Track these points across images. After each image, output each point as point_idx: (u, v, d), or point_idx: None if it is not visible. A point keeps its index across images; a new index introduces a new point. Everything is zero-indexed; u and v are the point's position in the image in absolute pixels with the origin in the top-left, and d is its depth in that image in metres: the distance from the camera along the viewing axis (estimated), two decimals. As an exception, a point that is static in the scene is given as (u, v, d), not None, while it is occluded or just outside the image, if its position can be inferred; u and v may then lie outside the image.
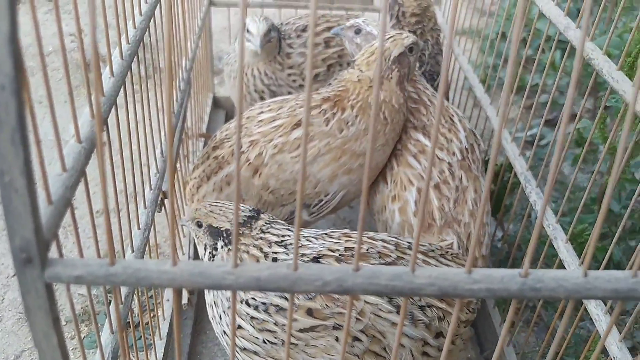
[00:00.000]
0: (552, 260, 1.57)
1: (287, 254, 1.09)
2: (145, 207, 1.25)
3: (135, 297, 1.58)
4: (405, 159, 1.42)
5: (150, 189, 1.30)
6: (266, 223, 1.15)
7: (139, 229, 1.18)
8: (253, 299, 1.09)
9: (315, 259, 1.09)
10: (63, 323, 1.59)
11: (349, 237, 1.14)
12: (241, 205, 1.21)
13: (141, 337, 1.54)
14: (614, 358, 0.94)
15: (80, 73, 2.71)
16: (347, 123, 1.35)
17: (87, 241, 1.86)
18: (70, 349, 1.53)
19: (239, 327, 1.09)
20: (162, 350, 1.41)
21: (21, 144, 0.51)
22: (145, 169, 1.31)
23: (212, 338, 1.54)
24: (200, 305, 1.65)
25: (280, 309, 1.06)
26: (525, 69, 2.64)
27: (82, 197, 1.95)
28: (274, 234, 1.13)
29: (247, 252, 1.11)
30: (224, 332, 1.14)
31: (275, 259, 1.09)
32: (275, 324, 1.06)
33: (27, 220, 0.54)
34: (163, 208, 1.42)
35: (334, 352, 1.06)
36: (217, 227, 1.16)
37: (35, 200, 0.54)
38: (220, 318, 1.14)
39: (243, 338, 1.09)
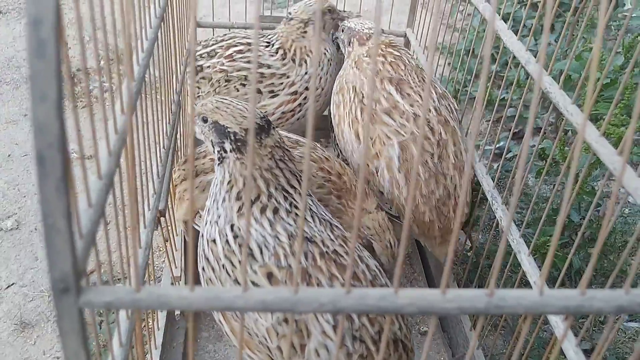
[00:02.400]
0: (517, 269, 1.69)
1: (287, 213, 1.15)
2: (145, 227, 1.33)
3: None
4: (379, 116, 1.50)
5: (149, 209, 1.38)
6: (276, 146, 1.16)
7: (140, 247, 1.26)
8: (239, 228, 1.14)
9: (307, 240, 1.15)
10: (57, 333, 1.66)
11: (344, 244, 1.19)
12: (247, 109, 1.21)
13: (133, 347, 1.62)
14: (570, 361, 1.05)
15: (63, 86, 2.76)
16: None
17: (76, 254, 1.92)
18: (65, 358, 1.60)
19: (213, 240, 1.16)
20: (158, 358, 1.49)
21: (64, 193, 0.59)
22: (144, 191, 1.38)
23: (203, 346, 1.63)
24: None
25: (252, 257, 1.11)
26: (494, 83, 2.77)
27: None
28: (283, 175, 1.16)
29: (255, 179, 1.14)
30: (203, 268, 1.20)
31: (276, 210, 1.14)
32: (239, 262, 1.11)
33: (66, 255, 0.63)
34: (159, 226, 1.50)
35: (262, 315, 1.11)
36: (223, 125, 1.16)
37: (73, 238, 0.63)
38: (205, 257, 1.20)
39: (211, 251, 1.16)
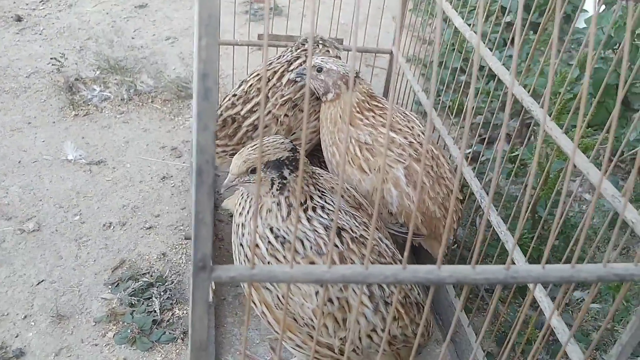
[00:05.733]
0: (505, 255, 1.96)
1: (322, 209, 1.38)
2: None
3: (155, 299, 1.85)
4: (378, 150, 1.78)
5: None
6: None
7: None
8: (277, 229, 1.36)
9: (338, 229, 1.38)
10: (92, 324, 1.84)
11: (367, 229, 1.44)
12: (279, 138, 1.43)
13: (164, 333, 1.82)
14: (554, 327, 1.31)
15: (62, 95, 2.90)
16: None
17: (100, 252, 2.10)
18: (104, 345, 1.78)
19: (256, 245, 1.36)
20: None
21: (212, 196, 0.81)
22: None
23: (230, 330, 1.83)
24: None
25: (294, 251, 1.33)
26: (464, 92, 3.06)
27: (90, 212, 2.19)
28: (318, 178, 1.42)
29: (307, 185, 1.38)
30: (241, 244, 1.41)
31: (314, 208, 1.38)
32: (285, 257, 1.33)
33: (208, 241, 0.84)
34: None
35: (308, 299, 1.33)
36: (276, 159, 1.37)
37: (214, 228, 0.84)
38: (242, 235, 1.40)
39: (255, 254, 1.36)
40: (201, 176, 0.81)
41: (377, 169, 1.77)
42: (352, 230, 1.40)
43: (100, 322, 1.84)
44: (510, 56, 2.26)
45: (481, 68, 3.04)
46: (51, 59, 3.09)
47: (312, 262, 1.32)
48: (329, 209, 1.40)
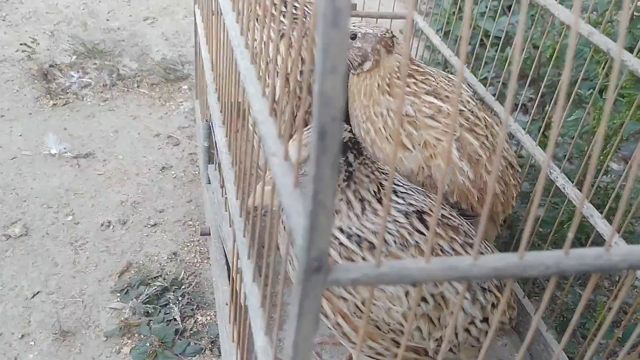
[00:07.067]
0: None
1: (394, 194, 1.18)
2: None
3: (174, 305, 1.61)
4: (422, 122, 1.55)
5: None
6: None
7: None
8: (349, 228, 1.13)
9: (419, 213, 1.17)
10: (103, 339, 1.59)
11: (444, 207, 1.26)
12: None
13: (189, 344, 1.57)
14: None
15: (37, 84, 2.60)
16: None
17: (101, 255, 1.84)
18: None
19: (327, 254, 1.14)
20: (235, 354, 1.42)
21: (336, 169, 0.58)
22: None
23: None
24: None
25: (372, 247, 1.11)
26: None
27: (84, 212, 1.94)
28: (379, 167, 1.20)
29: (368, 190, 1.15)
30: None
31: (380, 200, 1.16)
32: (363, 259, 1.11)
33: (327, 233, 0.61)
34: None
35: (397, 302, 1.12)
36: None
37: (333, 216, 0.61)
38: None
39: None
40: (324, 140, 0.58)
41: (423, 143, 1.55)
42: (431, 211, 1.17)
43: (112, 337, 1.58)
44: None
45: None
46: (20, 44, 2.78)
47: (398, 258, 1.10)
48: (402, 192, 1.18)
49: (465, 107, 1.58)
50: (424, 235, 1.12)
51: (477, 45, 2.04)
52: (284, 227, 1.18)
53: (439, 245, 1.14)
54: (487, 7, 2.04)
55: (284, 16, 1.73)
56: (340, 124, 0.58)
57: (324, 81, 0.56)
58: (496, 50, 2.72)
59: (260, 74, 0.91)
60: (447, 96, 1.58)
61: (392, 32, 1.66)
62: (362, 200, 1.14)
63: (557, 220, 1.53)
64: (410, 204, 1.17)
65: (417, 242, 1.12)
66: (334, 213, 0.60)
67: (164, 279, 1.74)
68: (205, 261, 1.84)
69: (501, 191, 1.55)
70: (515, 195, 1.62)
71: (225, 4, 1.19)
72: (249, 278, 1.05)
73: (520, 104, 1.80)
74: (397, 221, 1.13)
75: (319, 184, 0.59)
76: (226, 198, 1.39)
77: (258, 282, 1.04)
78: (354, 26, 1.62)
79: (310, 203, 0.59)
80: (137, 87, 2.67)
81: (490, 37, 1.94)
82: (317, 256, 0.63)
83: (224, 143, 1.37)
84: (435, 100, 1.58)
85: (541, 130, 1.69)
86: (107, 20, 3.17)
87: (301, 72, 1.69)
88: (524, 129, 1.61)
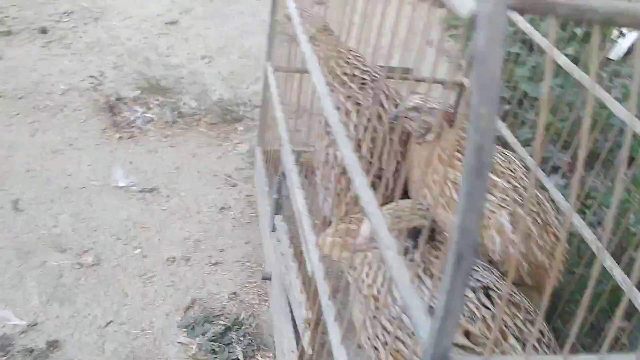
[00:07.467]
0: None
1: None
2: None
3: (237, 345, 1.74)
4: None
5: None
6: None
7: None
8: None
9: (485, 289, 1.28)
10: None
11: (502, 280, 1.33)
12: (417, 202, 1.29)
13: (251, 382, 1.70)
14: None
15: (102, 115, 2.77)
16: None
17: (168, 289, 1.98)
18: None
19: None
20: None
21: (467, 283, 0.71)
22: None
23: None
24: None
25: (402, 324, 1.23)
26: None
27: (151, 245, 2.09)
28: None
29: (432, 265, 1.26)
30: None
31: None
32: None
33: (452, 335, 0.74)
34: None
35: None
36: (414, 226, 1.22)
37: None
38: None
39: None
40: (460, 263, 0.72)
41: None
42: (495, 286, 1.30)
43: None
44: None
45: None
46: (89, 77, 2.96)
47: (467, 331, 1.23)
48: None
49: (519, 183, 1.71)
50: (490, 310, 1.25)
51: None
52: (364, 296, 1.32)
53: (504, 320, 1.26)
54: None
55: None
56: (473, 252, 0.71)
57: (465, 218, 0.70)
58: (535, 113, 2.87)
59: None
60: (502, 172, 1.72)
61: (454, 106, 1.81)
62: (431, 276, 1.27)
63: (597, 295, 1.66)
64: (478, 280, 1.30)
65: (483, 316, 1.25)
66: (459, 317, 0.73)
67: (226, 318, 1.87)
68: (262, 303, 1.98)
69: (550, 265, 1.68)
70: (562, 269, 1.75)
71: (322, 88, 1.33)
72: (337, 339, 1.18)
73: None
74: (465, 295, 1.26)
75: (451, 298, 0.72)
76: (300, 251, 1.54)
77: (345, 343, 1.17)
78: (421, 100, 1.77)
79: (442, 310, 0.73)
80: (197, 125, 2.83)
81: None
82: (442, 353, 0.76)
83: (304, 204, 1.51)
84: (490, 175, 1.72)
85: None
86: (167, 56, 3.35)
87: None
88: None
